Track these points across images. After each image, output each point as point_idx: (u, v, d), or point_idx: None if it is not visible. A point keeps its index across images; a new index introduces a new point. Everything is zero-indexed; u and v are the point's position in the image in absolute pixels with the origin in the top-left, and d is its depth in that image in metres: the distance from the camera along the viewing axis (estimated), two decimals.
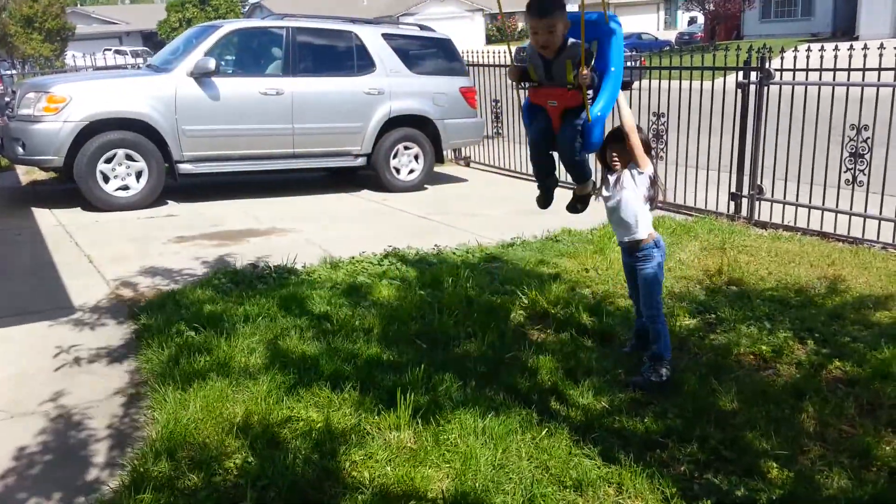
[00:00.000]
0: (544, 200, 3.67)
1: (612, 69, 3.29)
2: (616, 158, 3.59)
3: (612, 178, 3.65)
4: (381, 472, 2.82)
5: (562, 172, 3.65)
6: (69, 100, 7.40)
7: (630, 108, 3.56)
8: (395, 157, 8.96)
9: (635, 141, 3.48)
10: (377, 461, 2.90)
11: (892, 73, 5.87)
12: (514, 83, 3.58)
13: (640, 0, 59.06)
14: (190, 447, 2.95)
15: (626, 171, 3.58)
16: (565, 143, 3.34)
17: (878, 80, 6.01)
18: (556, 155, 3.59)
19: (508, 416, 3.20)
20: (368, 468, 2.86)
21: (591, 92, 3.29)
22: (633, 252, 3.70)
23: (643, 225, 3.64)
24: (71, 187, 7.94)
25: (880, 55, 5.85)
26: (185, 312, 4.41)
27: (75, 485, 2.86)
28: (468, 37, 44.64)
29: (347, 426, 3.13)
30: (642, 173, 3.54)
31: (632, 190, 3.56)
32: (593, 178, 3.63)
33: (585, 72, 3.13)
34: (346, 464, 2.88)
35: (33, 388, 3.66)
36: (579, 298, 4.71)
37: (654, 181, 3.59)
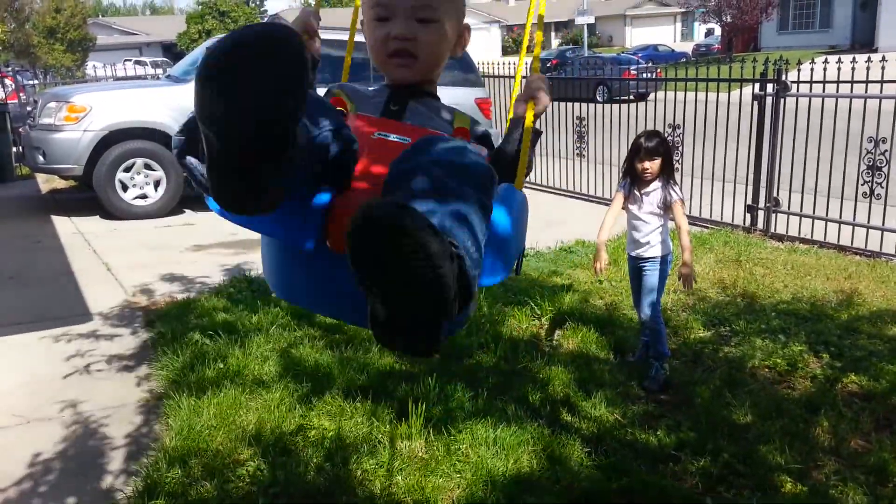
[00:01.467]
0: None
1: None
2: (648, 170, 3.61)
3: (639, 194, 3.69)
4: (393, 482, 2.83)
5: None
6: (89, 109, 7.51)
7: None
8: None
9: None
10: (389, 470, 2.90)
11: None
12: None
13: (657, 12, 59.08)
14: (203, 454, 2.97)
15: (659, 193, 3.63)
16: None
17: None
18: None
19: (520, 428, 3.20)
20: (380, 477, 2.86)
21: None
22: (642, 265, 3.78)
23: (656, 245, 3.71)
24: (90, 196, 8.04)
25: None
26: (200, 320, 4.45)
27: (89, 491, 2.89)
28: (484, 48, 44.85)
29: (359, 435, 3.14)
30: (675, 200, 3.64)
31: (660, 212, 3.65)
32: None
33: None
34: (357, 472, 2.89)
35: (49, 394, 3.70)
36: (592, 309, 4.70)
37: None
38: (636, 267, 3.83)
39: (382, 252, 0.92)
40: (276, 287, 1.45)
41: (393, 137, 1.39)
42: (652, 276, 3.72)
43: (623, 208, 3.79)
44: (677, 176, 7.42)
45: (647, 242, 3.72)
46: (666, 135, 7.46)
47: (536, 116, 1.48)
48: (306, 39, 1.51)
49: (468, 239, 1.06)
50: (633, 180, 3.73)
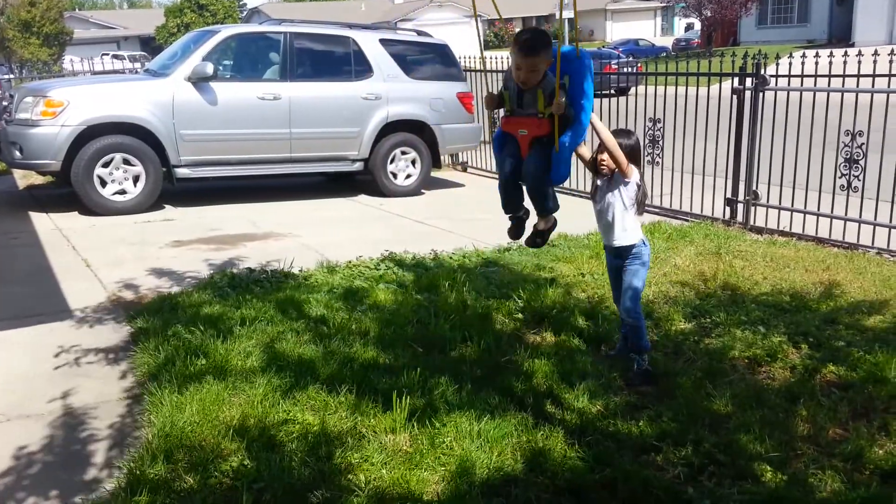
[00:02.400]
0: (515, 232, 3.54)
1: (584, 103, 3.24)
2: (604, 164, 3.66)
3: (600, 184, 3.76)
4: (377, 475, 2.83)
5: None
6: (67, 104, 7.41)
7: (608, 125, 3.64)
8: (392, 161, 8.98)
9: (616, 152, 3.54)
10: (373, 464, 2.91)
11: (886, 79, 5.91)
12: (488, 111, 3.46)
13: (638, 7, 59.30)
14: (186, 449, 2.96)
15: (613, 179, 3.68)
16: (531, 171, 3.26)
17: (873, 86, 6.05)
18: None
19: (504, 420, 3.21)
20: (364, 471, 2.86)
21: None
22: (621, 254, 3.80)
23: (630, 231, 3.74)
24: (68, 191, 7.95)
25: (874, 61, 5.88)
26: (181, 316, 4.42)
27: (72, 486, 2.87)
28: (465, 42, 44.75)
29: (343, 429, 3.14)
30: (628, 182, 3.63)
31: (617, 197, 3.67)
32: (557, 212, 3.47)
33: (560, 100, 3.11)
34: (341, 466, 2.89)
35: (31, 391, 3.66)
36: (575, 302, 4.73)
37: (640, 187, 3.68)
38: (615, 261, 3.86)
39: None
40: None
41: (522, 132, 3.24)
42: (630, 270, 3.74)
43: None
44: (657, 169, 7.48)
45: (619, 228, 3.71)
46: (647, 129, 7.55)
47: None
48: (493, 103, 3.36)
49: (550, 197, 3.38)
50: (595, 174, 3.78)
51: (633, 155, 3.68)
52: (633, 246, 3.75)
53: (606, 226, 3.77)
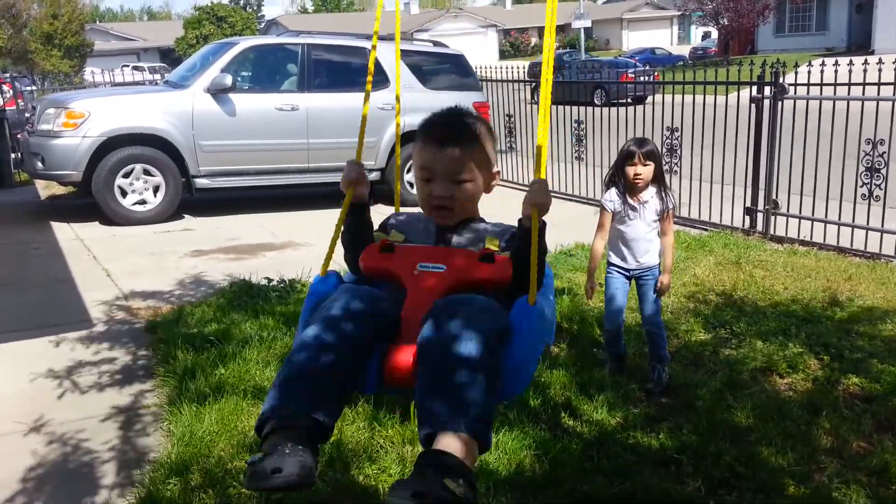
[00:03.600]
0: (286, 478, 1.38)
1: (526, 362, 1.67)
2: (640, 175, 3.53)
3: (635, 203, 3.61)
4: None
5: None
6: (88, 115, 7.51)
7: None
8: (408, 171, 8.99)
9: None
10: (391, 475, 2.89)
11: None
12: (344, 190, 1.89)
13: (654, 16, 59.24)
14: (205, 461, 2.97)
15: (657, 202, 3.59)
16: (449, 339, 1.49)
17: (894, 94, 5.98)
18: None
19: (521, 431, 3.19)
20: (382, 482, 2.86)
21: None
22: (640, 274, 3.74)
23: (652, 253, 3.70)
24: (89, 202, 8.04)
25: (895, 69, 5.82)
26: (200, 326, 4.44)
27: (89, 500, 2.88)
28: (482, 52, 44.88)
29: (361, 440, 3.13)
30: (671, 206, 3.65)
31: (654, 221, 3.63)
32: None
33: (498, 245, 1.83)
34: (359, 478, 2.89)
35: (48, 401, 3.69)
36: (591, 313, 4.70)
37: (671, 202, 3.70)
38: (627, 282, 3.79)
39: None
40: None
41: (430, 267, 1.75)
42: (650, 285, 3.72)
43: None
44: (676, 179, 7.43)
45: (647, 252, 3.68)
46: (664, 138, 7.51)
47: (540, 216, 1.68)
48: (355, 186, 1.88)
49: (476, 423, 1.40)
50: (623, 190, 3.63)
51: (661, 164, 3.64)
52: (656, 264, 3.73)
53: (639, 248, 3.67)
